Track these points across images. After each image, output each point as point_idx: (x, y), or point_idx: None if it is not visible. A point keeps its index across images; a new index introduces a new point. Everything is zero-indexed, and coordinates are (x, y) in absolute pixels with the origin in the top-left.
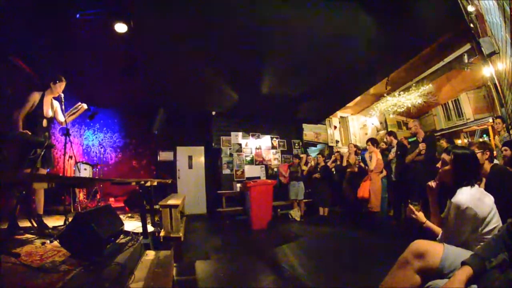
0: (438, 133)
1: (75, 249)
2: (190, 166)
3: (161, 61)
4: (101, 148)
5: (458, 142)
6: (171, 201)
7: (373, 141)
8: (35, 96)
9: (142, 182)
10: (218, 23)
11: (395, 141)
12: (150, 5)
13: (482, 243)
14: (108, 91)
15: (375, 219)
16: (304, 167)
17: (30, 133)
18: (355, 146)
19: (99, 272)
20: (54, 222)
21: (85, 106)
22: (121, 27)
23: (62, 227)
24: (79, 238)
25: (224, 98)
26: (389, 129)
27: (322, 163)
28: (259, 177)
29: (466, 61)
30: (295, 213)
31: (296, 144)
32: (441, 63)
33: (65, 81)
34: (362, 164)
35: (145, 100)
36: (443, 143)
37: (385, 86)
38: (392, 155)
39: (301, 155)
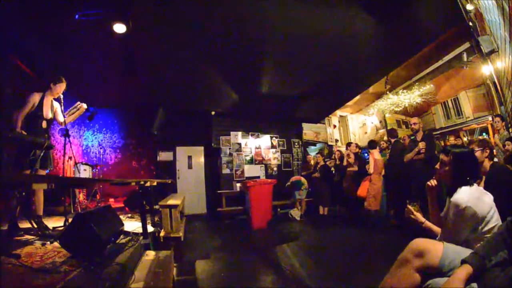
0: (438, 132)
1: (75, 250)
2: (190, 166)
3: (160, 61)
4: (100, 148)
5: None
6: (171, 201)
7: (369, 143)
8: (35, 97)
9: (142, 183)
10: (217, 23)
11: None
12: (149, 5)
13: (482, 242)
14: (108, 91)
15: (373, 217)
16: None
17: (26, 134)
18: (357, 145)
19: (100, 272)
20: (54, 223)
21: (84, 105)
22: (120, 28)
23: (62, 228)
24: (79, 239)
25: (223, 98)
26: (389, 128)
27: (322, 163)
28: (259, 177)
29: (465, 59)
30: (295, 212)
31: (296, 143)
32: (440, 62)
33: (65, 82)
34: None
35: (145, 100)
36: (452, 140)
37: (385, 85)
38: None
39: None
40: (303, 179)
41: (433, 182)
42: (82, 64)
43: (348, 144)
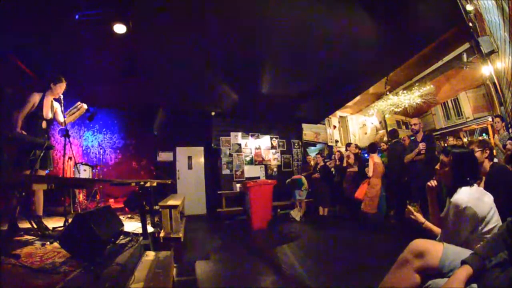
0: (438, 132)
1: (75, 250)
2: (190, 167)
3: (160, 61)
4: (100, 149)
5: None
6: (170, 202)
7: (369, 147)
8: (35, 97)
9: (142, 183)
10: (217, 23)
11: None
12: (149, 5)
13: (482, 242)
14: (108, 92)
15: (369, 220)
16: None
17: (26, 134)
18: (356, 146)
19: (99, 273)
20: (54, 223)
21: (85, 106)
22: (120, 28)
23: (62, 228)
24: (79, 239)
25: (223, 98)
26: (388, 129)
27: (322, 163)
28: (258, 177)
29: (465, 60)
30: (295, 213)
31: (296, 144)
32: (440, 62)
33: (65, 82)
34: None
35: (145, 101)
36: (451, 141)
37: (385, 85)
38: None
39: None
40: (303, 178)
41: (433, 183)
42: (82, 64)
43: (348, 145)
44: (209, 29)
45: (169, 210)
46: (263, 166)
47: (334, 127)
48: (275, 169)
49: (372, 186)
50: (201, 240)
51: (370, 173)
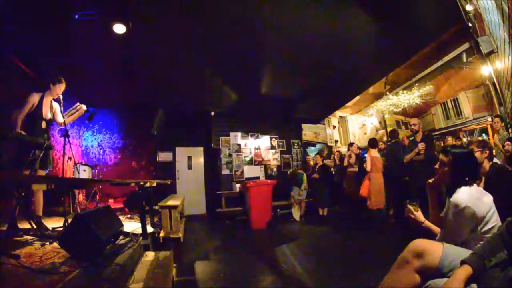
0: (437, 132)
1: (75, 250)
2: (190, 167)
3: (160, 61)
4: (100, 149)
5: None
6: (170, 202)
7: (369, 142)
8: (35, 98)
9: (142, 183)
10: (217, 23)
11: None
12: (148, 5)
13: (481, 242)
14: (107, 92)
15: (375, 218)
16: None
17: (25, 134)
18: (358, 147)
19: (99, 273)
20: (54, 223)
21: (84, 107)
22: (119, 28)
23: (61, 228)
24: (79, 239)
25: (223, 99)
26: (388, 129)
27: (321, 163)
28: (258, 177)
29: (464, 60)
30: (295, 212)
31: (295, 144)
32: (440, 63)
33: (65, 83)
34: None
35: (145, 101)
36: (449, 140)
37: (384, 85)
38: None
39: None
40: (305, 175)
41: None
42: (82, 64)
43: (350, 145)
44: (208, 30)
45: (168, 210)
46: (263, 166)
47: (334, 127)
48: (274, 169)
49: (374, 181)
50: (200, 240)
51: (368, 167)
